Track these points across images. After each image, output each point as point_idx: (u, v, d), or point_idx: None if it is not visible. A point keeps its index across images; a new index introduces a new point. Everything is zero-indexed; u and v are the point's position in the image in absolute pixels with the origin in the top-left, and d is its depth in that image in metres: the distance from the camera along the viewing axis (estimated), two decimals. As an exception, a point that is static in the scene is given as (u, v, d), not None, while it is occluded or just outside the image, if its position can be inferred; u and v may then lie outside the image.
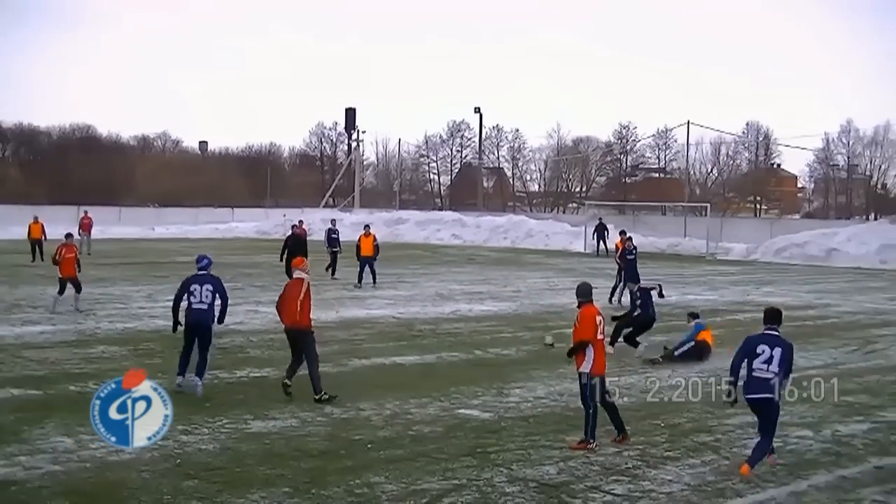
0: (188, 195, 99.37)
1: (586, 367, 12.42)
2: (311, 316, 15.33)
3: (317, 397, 14.76)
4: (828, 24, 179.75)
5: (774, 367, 11.49)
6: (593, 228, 56.30)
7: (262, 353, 19.24)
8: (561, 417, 14.10)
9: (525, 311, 27.04)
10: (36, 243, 42.01)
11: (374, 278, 32.98)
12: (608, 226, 56.20)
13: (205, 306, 15.66)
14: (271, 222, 76.44)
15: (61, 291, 24.72)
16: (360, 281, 32.72)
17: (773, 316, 12.22)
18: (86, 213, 51.46)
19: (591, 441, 12.37)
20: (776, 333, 11.89)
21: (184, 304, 15.66)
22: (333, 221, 38.18)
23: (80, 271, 25.27)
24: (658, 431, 13.33)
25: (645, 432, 13.25)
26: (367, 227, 35.40)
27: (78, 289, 24.92)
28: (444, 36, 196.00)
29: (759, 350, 11.68)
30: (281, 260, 32.42)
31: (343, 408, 14.36)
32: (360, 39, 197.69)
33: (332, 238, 36.25)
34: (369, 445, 12.25)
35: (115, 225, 70.27)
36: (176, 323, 15.77)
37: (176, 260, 44.83)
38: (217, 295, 15.81)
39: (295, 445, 12.18)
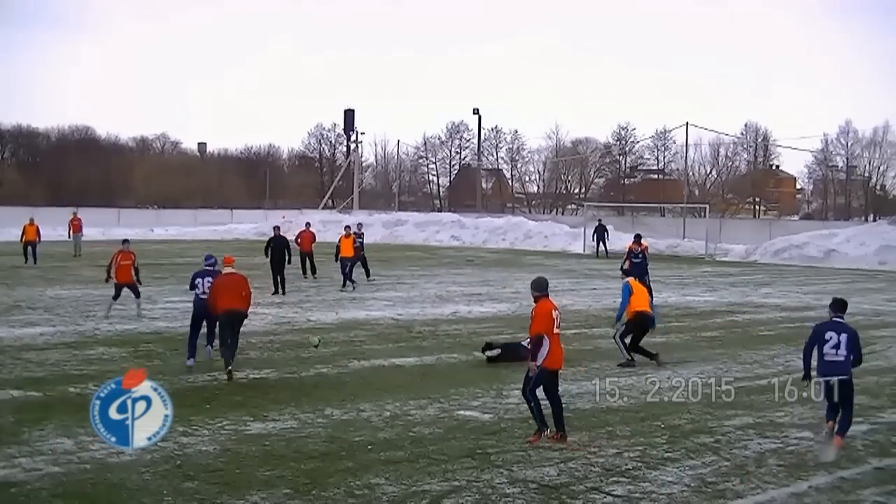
0: (187, 196, 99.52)
1: (539, 360, 12.62)
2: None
3: (230, 372, 16.80)
4: (826, 25, 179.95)
5: (843, 350, 12.48)
6: (593, 230, 56.31)
7: (261, 355, 19.25)
8: (561, 419, 14.09)
9: (524, 313, 26.94)
10: (30, 245, 41.81)
11: (368, 273, 32.89)
12: (608, 227, 56.24)
13: (206, 296, 18.14)
14: (270, 224, 76.35)
15: (116, 296, 24.57)
16: (344, 284, 32.56)
17: (839, 305, 13.27)
18: (75, 214, 51.32)
19: (549, 431, 12.80)
20: (841, 321, 12.89)
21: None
22: (360, 226, 37.98)
23: (137, 278, 25.18)
24: (658, 432, 13.33)
25: (645, 433, 13.25)
26: (347, 227, 35.03)
27: (136, 294, 24.81)
28: (442, 37, 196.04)
29: (826, 337, 12.66)
30: (266, 255, 32.25)
31: (343, 409, 14.37)
32: (358, 41, 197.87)
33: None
34: (369, 447, 12.25)
35: (113, 226, 70.26)
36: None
37: (175, 262, 44.87)
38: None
39: (295, 447, 12.18)
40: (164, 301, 28.13)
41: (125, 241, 25.82)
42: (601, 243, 54.80)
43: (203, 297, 18.25)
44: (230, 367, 16.82)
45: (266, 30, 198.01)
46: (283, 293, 30.72)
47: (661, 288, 35.73)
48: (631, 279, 20.55)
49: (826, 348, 12.56)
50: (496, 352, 19.08)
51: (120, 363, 17.82)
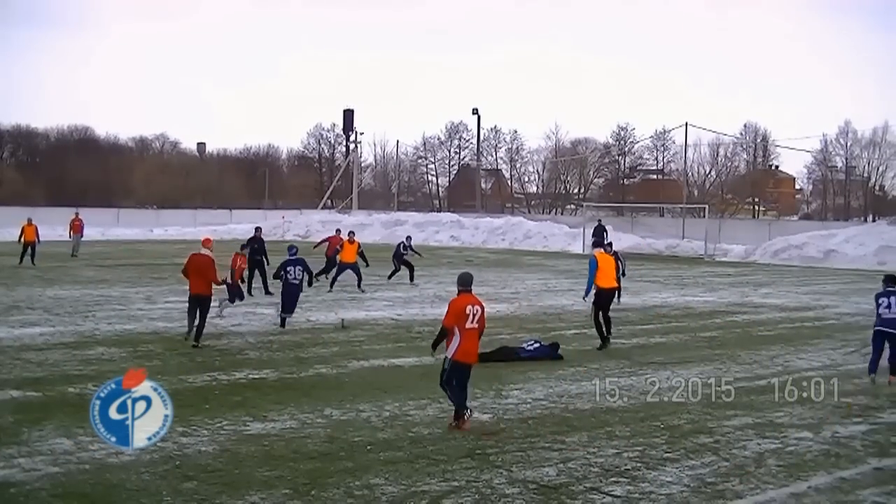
0: (186, 196, 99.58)
1: (449, 351, 13.25)
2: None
3: (196, 343, 19.85)
4: (826, 26, 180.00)
5: (895, 309, 17.12)
6: (592, 230, 56.22)
7: (260, 355, 19.24)
8: (560, 419, 14.10)
9: (523, 313, 27.03)
10: (29, 245, 41.62)
11: (359, 283, 32.86)
12: (607, 228, 56.13)
13: (297, 281, 23.61)
14: (269, 224, 76.38)
15: (235, 298, 24.89)
16: (332, 286, 32.58)
17: (891, 280, 17.57)
18: (77, 214, 51.18)
19: (466, 412, 13.39)
20: (893, 288, 17.31)
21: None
22: (409, 238, 39.24)
23: (243, 281, 26.14)
24: (657, 433, 13.32)
25: (644, 433, 13.25)
26: (351, 233, 35.15)
27: (239, 297, 25.44)
28: (441, 38, 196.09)
29: (880, 301, 17.48)
30: (218, 281, 32.06)
31: (342, 409, 14.36)
32: (358, 41, 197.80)
33: (401, 252, 36.86)
34: (368, 447, 12.24)
35: (113, 226, 70.34)
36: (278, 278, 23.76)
37: (175, 262, 44.68)
38: (305, 271, 24.11)
39: (294, 447, 12.17)
40: (163, 301, 28.13)
41: (245, 246, 27.73)
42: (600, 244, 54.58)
43: (294, 281, 23.46)
44: (192, 339, 20.06)
45: (266, 30, 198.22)
46: (267, 293, 29.90)
47: (660, 288, 35.82)
48: (597, 251, 22.13)
49: (881, 309, 17.33)
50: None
51: (119, 363, 17.81)
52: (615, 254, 30.76)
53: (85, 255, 47.33)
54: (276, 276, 23.93)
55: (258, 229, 33.38)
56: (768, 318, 27.37)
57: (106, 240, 56.33)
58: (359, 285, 32.45)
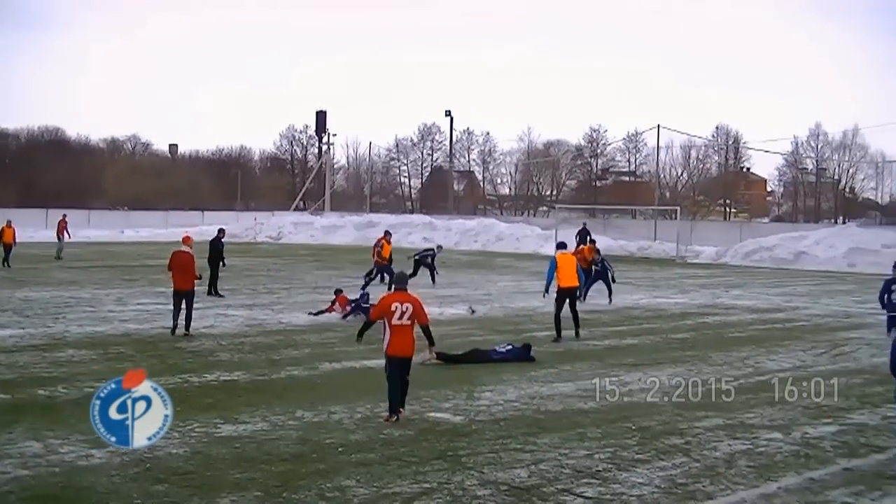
0: (158, 198, 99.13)
1: (383, 346, 14.03)
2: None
3: (187, 332, 21.68)
4: (797, 29, 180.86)
5: None
6: (576, 233, 56.30)
7: (232, 357, 19.18)
8: (532, 420, 14.11)
9: (496, 314, 27.07)
10: (5, 248, 41.38)
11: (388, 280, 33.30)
12: (590, 230, 56.30)
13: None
14: (242, 225, 76.31)
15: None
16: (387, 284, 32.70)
17: None
18: (64, 216, 50.93)
19: (394, 415, 13.87)
20: None
21: None
22: (439, 248, 40.65)
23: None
24: (629, 434, 13.35)
25: (615, 435, 13.28)
26: (388, 233, 37.59)
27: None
28: (414, 39, 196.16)
29: (893, 287, 19.62)
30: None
31: (314, 411, 14.33)
32: (330, 43, 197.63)
33: (424, 255, 37.65)
34: (340, 449, 12.22)
35: (84, 228, 69.91)
36: None
37: (146, 263, 44.67)
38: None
39: (266, 449, 12.14)
40: (134, 303, 28.03)
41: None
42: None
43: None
44: (181, 331, 21.74)
45: (237, 32, 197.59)
46: (215, 294, 30.53)
47: (632, 290, 35.88)
48: (559, 253, 23.31)
49: (893, 296, 19.52)
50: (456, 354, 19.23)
51: (90, 365, 17.75)
52: (603, 260, 31.22)
53: (56, 257, 47.08)
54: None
55: (221, 231, 33.36)
56: (739, 320, 27.49)
57: (77, 241, 55.92)
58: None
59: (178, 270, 21.84)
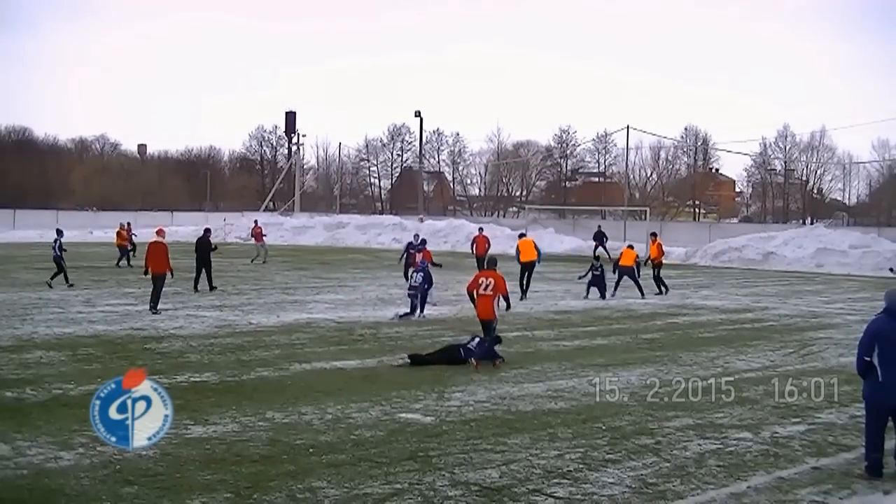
0: (127, 199, 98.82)
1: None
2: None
3: (155, 309, 25.83)
4: (765, 30, 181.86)
5: None
6: (593, 235, 57.13)
7: (202, 358, 19.10)
8: (502, 421, 14.11)
9: (466, 315, 27.03)
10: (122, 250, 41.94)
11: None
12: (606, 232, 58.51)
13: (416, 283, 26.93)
14: (211, 226, 75.90)
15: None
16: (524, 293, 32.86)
17: None
18: (128, 224, 48.18)
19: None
20: None
21: None
22: (417, 237, 38.78)
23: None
24: (599, 434, 13.38)
25: (586, 435, 13.30)
26: (481, 228, 41.41)
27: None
28: (384, 40, 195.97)
29: None
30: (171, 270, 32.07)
31: (284, 412, 14.29)
32: (299, 42, 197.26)
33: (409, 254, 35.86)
34: (311, 450, 12.18)
35: (52, 228, 69.34)
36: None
37: (112, 264, 44.39)
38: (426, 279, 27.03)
39: (236, 450, 12.09)
40: (103, 304, 27.88)
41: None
42: (601, 246, 56.04)
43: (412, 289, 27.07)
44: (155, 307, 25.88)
45: (206, 31, 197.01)
46: (212, 289, 32.56)
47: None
48: (520, 240, 34.43)
49: None
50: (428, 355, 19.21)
51: (58, 367, 17.64)
52: (599, 267, 33.08)
53: (22, 257, 46.76)
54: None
55: (207, 231, 33.86)
56: (708, 320, 27.62)
57: (44, 242, 55.40)
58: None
59: (154, 257, 26.55)
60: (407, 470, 11.34)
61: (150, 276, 26.74)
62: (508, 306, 21.84)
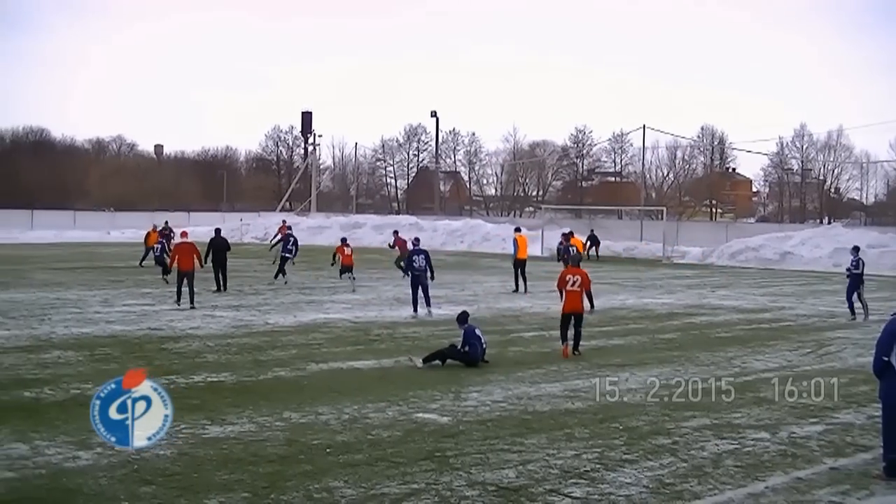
0: (143, 199, 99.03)
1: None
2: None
3: (193, 305, 27.46)
4: (782, 29, 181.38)
5: None
6: (586, 237, 57.23)
7: (218, 358, 19.14)
8: (519, 421, 14.10)
9: (482, 315, 27.01)
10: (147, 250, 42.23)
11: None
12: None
13: (421, 270, 26.91)
14: (227, 226, 75.93)
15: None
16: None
17: None
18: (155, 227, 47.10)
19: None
20: None
21: None
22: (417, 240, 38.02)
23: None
24: (616, 434, 13.36)
25: (603, 435, 13.28)
26: (569, 233, 41.31)
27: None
28: (400, 40, 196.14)
29: None
30: (202, 263, 32.07)
31: (301, 412, 14.30)
32: (316, 43, 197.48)
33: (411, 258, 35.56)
34: (327, 450, 12.19)
35: (69, 229, 69.76)
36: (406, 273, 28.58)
37: (131, 264, 44.56)
38: (428, 261, 26.94)
39: (253, 450, 12.11)
40: (120, 304, 27.98)
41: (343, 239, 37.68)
42: (594, 248, 57.00)
43: (418, 272, 26.87)
44: (185, 305, 27.59)
45: (224, 31, 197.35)
46: (225, 289, 32.71)
47: (618, 290, 35.97)
48: (518, 235, 35.89)
49: None
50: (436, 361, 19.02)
51: (76, 367, 17.69)
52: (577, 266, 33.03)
53: (39, 257, 46.90)
54: (406, 268, 28.09)
55: (217, 230, 33.73)
56: (726, 320, 27.54)
57: (62, 242, 55.77)
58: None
59: (182, 256, 28.08)
60: (424, 470, 11.34)
61: (168, 277, 29.03)
62: (592, 305, 23.79)
